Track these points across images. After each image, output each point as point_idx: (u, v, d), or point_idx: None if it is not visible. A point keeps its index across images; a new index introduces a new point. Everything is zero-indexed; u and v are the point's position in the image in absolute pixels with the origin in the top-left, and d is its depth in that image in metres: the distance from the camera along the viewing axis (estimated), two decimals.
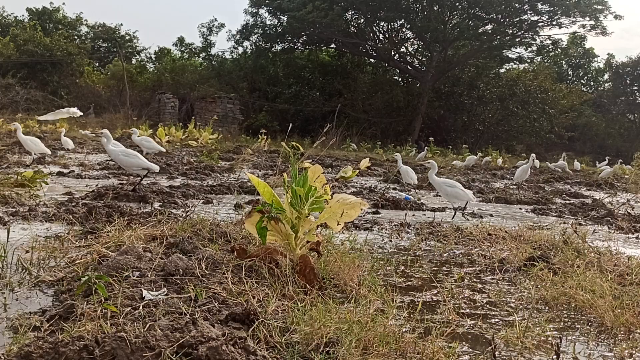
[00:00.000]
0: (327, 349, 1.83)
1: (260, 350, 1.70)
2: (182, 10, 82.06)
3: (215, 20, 36.09)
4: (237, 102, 29.29)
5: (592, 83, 43.38)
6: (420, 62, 34.76)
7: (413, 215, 5.65)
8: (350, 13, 31.95)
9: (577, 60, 42.34)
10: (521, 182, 9.00)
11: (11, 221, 3.88)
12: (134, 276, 2.44)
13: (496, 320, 2.50)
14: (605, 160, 18.74)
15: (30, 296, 2.42)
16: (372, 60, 35.46)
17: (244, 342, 1.68)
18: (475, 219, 5.61)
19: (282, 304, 2.25)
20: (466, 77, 33.10)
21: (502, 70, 34.92)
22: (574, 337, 2.34)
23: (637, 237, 5.09)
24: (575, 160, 18.10)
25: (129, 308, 2.08)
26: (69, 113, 7.43)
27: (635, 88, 40.26)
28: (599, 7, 29.29)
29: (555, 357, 2.03)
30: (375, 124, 30.99)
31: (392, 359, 1.85)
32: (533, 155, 9.74)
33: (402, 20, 32.48)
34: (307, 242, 2.79)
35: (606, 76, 42.52)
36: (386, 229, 4.66)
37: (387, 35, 33.67)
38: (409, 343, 1.95)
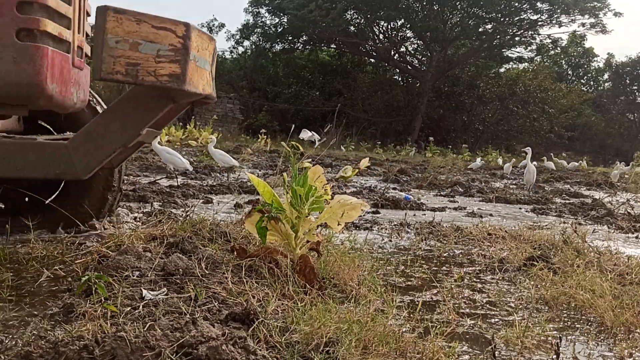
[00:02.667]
0: (327, 348, 1.83)
1: (260, 350, 1.70)
2: (181, 10, 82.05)
3: (215, 19, 36.10)
4: (237, 101, 29.29)
5: (591, 83, 43.41)
6: (420, 61, 34.77)
7: (413, 215, 5.65)
8: (350, 12, 31.95)
9: (577, 60, 42.36)
10: (531, 185, 8.75)
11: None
12: (133, 276, 2.44)
13: (496, 320, 2.51)
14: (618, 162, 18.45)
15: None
16: (372, 60, 35.47)
17: (243, 341, 1.68)
18: (475, 219, 5.61)
19: (282, 304, 2.25)
20: (466, 77, 33.11)
21: (502, 70, 34.96)
22: (574, 336, 2.34)
23: (637, 237, 5.10)
24: (547, 159, 17.41)
25: (129, 308, 2.08)
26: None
27: (635, 88, 40.28)
28: (599, 4, 29.30)
29: (555, 356, 2.03)
30: (375, 124, 31.00)
31: (392, 359, 1.85)
32: (528, 148, 9.39)
33: (402, 19, 32.49)
34: (307, 241, 2.79)
35: (606, 76, 42.53)
36: (386, 229, 4.66)
37: (387, 35, 33.67)
38: (409, 343, 1.95)
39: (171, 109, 2.68)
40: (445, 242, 4.19)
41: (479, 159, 16.02)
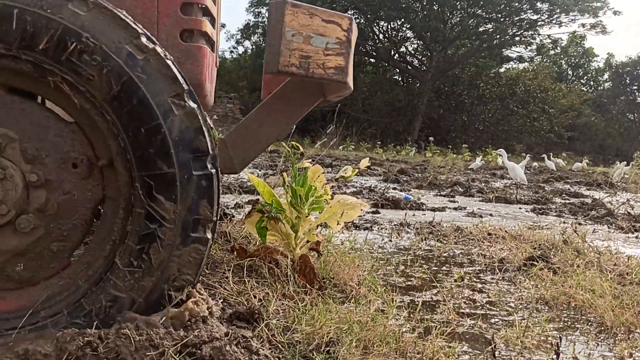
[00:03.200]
0: (328, 348, 1.83)
1: (263, 350, 1.70)
2: None
3: None
4: (237, 101, 29.26)
5: (591, 83, 43.42)
6: (420, 61, 34.78)
7: (413, 215, 5.65)
8: (350, 12, 31.95)
9: (577, 60, 42.37)
10: (522, 180, 8.77)
11: None
12: None
13: (496, 320, 2.51)
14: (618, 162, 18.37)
15: None
16: (372, 60, 35.46)
17: (246, 341, 1.68)
18: (475, 219, 5.61)
19: (283, 304, 2.26)
20: (466, 77, 33.12)
21: (502, 70, 34.96)
22: (574, 336, 2.35)
23: (637, 237, 5.10)
24: (546, 158, 17.07)
25: None
26: None
27: (635, 87, 40.30)
28: (598, 4, 29.34)
29: (555, 356, 2.03)
30: (375, 124, 31.01)
31: (393, 359, 1.86)
32: (501, 150, 9.40)
33: (402, 19, 32.51)
34: (307, 241, 2.79)
35: (606, 76, 42.55)
36: (386, 229, 4.67)
37: (387, 35, 33.68)
38: (409, 343, 1.96)
39: None
40: (445, 242, 4.19)
41: (478, 159, 16.04)
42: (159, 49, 1.63)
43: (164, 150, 1.59)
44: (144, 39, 1.60)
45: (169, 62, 1.64)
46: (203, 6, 2.28)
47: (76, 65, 1.56)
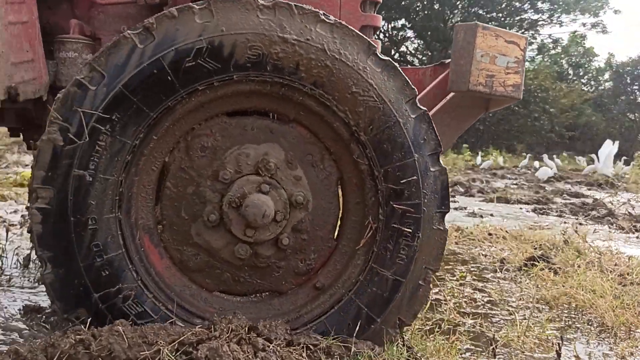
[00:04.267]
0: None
1: (269, 347, 1.67)
2: None
3: None
4: None
5: (592, 82, 43.33)
6: (421, 61, 34.74)
7: None
8: None
9: (578, 60, 42.32)
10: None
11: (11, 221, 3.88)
12: None
13: (497, 319, 2.50)
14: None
15: (31, 294, 2.42)
16: None
17: (252, 338, 1.65)
18: (476, 219, 5.60)
19: None
20: None
21: None
22: (575, 336, 2.34)
23: (637, 237, 5.09)
24: (547, 157, 16.89)
25: None
26: None
27: (636, 87, 40.25)
28: (599, 4, 29.35)
29: (556, 356, 2.03)
30: None
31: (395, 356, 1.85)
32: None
33: (403, 19, 32.51)
34: None
35: (606, 75, 42.49)
36: None
37: (387, 35, 33.67)
38: (412, 341, 1.95)
39: None
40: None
41: (479, 159, 16.05)
42: None
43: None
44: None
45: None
46: (377, 27, 2.35)
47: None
